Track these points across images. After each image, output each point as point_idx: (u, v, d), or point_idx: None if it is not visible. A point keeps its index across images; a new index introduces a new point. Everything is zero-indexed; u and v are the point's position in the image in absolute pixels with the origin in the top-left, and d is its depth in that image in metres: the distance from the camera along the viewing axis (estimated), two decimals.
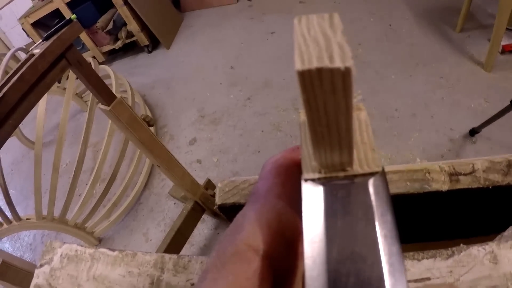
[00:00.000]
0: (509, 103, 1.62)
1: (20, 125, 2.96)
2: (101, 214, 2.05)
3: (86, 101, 2.96)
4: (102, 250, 0.50)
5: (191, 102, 2.88)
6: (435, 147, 1.95)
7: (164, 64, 3.56)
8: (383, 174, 0.20)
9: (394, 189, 0.45)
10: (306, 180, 0.21)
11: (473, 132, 1.91)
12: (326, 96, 0.16)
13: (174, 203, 2.17)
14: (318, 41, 0.16)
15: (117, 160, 1.95)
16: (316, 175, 0.21)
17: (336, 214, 0.19)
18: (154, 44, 3.83)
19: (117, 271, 0.48)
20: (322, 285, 0.18)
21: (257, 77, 2.85)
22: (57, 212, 1.79)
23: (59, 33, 1.05)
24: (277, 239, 0.21)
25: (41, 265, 0.51)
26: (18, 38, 4.44)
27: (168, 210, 2.16)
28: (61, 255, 0.52)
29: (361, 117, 0.23)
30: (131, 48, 3.96)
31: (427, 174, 0.45)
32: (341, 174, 0.21)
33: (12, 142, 3.00)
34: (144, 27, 3.58)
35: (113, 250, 0.50)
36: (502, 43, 2.24)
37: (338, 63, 0.15)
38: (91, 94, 1.72)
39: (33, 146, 1.95)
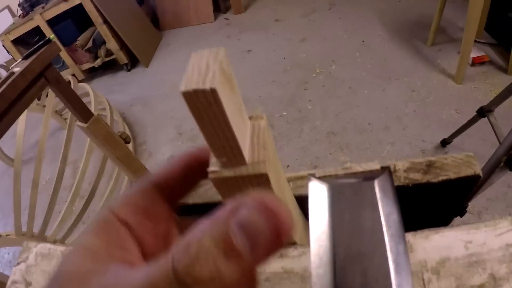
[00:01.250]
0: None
1: (0, 143, 2.96)
2: (81, 231, 2.04)
3: (65, 119, 2.97)
4: None
5: (169, 120, 2.91)
6: (407, 159, 2.00)
7: (142, 82, 3.58)
8: (389, 174, 0.21)
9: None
10: (211, 172, 0.25)
11: (444, 143, 1.97)
12: (206, 108, 0.20)
13: None
14: (201, 70, 0.20)
15: (95, 177, 1.97)
16: (215, 168, 0.25)
17: (342, 213, 0.20)
18: (133, 62, 3.86)
19: None
20: (329, 283, 0.18)
21: None
22: (36, 229, 1.80)
23: (38, 52, 1.09)
24: (132, 208, 0.24)
25: (18, 263, 0.55)
26: None
27: None
28: (35, 253, 0.56)
29: (260, 124, 0.27)
30: (110, 66, 3.98)
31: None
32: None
33: None
34: (123, 45, 3.62)
35: None
36: (472, 56, 2.31)
37: (207, 86, 0.19)
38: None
39: (13, 164, 1.96)
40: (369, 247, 0.18)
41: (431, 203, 0.54)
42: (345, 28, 3.15)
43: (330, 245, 0.19)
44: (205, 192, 0.56)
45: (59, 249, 0.55)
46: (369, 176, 0.21)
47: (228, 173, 0.24)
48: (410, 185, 0.49)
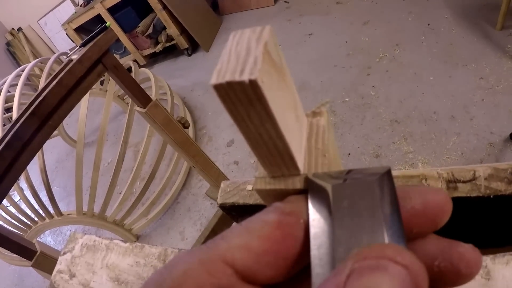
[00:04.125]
0: None
1: (65, 125, 3.10)
2: (140, 212, 2.11)
3: (127, 103, 3.06)
4: (116, 241, 0.55)
5: None
6: (474, 151, 1.89)
7: (203, 67, 3.62)
8: (389, 173, 0.19)
9: None
10: (256, 178, 0.22)
11: None
12: (246, 107, 0.17)
13: (211, 203, 2.21)
14: (239, 56, 0.17)
15: (156, 160, 2.01)
16: (261, 177, 0.22)
17: (343, 213, 0.19)
18: (194, 47, 3.90)
19: (126, 261, 0.52)
20: None
21: (295, 79, 2.77)
22: (97, 209, 1.87)
23: (95, 40, 1.11)
24: None
25: (64, 253, 0.57)
26: (62, 42, 4.68)
27: (204, 210, 2.20)
28: (81, 244, 0.57)
29: (320, 123, 0.24)
30: (171, 52, 4.05)
31: (423, 181, 0.43)
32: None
33: (57, 141, 3.15)
34: (183, 30, 3.65)
35: (125, 242, 0.54)
36: None
37: (245, 77, 0.15)
38: None
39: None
40: None
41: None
42: (409, 10, 3.01)
43: (330, 245, 0.18)
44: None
45: (104, 242, 0.56)
46: (370, 176, 0.19)
47: (277, 184, 0.21)
48: (491, 196, 0.41)
